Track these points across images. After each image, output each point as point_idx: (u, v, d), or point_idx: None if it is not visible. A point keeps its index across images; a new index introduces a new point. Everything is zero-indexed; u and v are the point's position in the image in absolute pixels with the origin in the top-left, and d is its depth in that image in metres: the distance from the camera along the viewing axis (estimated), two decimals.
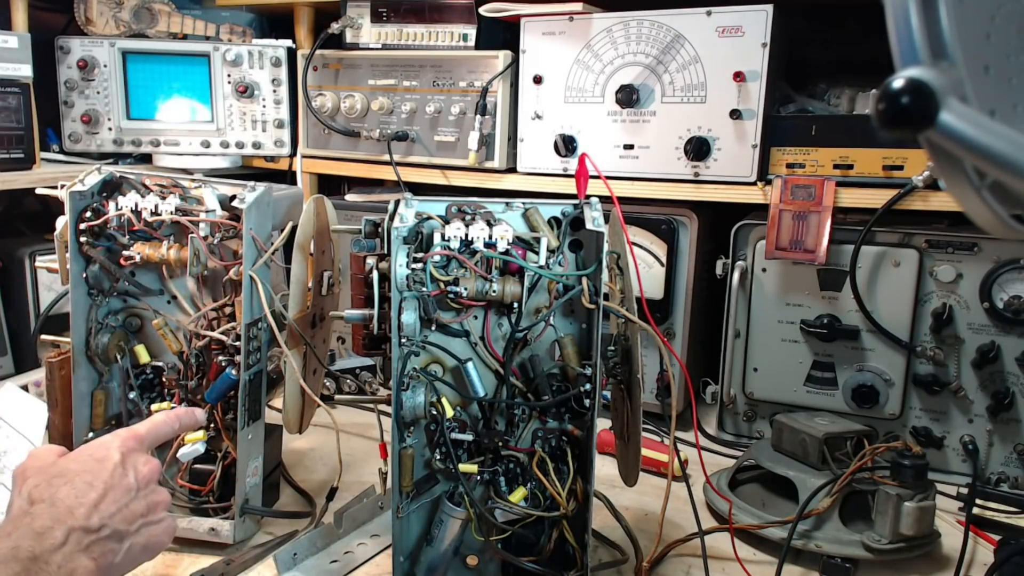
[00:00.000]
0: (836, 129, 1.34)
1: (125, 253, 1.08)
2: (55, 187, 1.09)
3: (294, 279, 1.07)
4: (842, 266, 1.32)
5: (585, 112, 1.48)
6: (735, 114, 1.35)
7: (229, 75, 1.72)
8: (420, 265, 0.87)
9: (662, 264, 1.46)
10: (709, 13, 1.35)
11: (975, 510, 1.13)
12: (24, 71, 1.55)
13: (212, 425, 1.09)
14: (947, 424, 1.33)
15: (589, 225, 0.89)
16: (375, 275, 0.91)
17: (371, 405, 1.14)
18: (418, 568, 0.96)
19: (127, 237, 1.09)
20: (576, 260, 0.94)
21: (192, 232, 1.06)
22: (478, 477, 0.93)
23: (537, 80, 1.50)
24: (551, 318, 0.93)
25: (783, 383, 1.41)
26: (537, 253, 0.90)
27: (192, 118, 1.74)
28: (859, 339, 1.34)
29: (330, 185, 1.91)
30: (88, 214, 1.07)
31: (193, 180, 1.13)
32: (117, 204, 1.08)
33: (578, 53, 1.46)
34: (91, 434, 1.12)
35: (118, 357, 1.12)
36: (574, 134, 1.49)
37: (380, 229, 0.92)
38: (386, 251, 0.89)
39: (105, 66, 1.69)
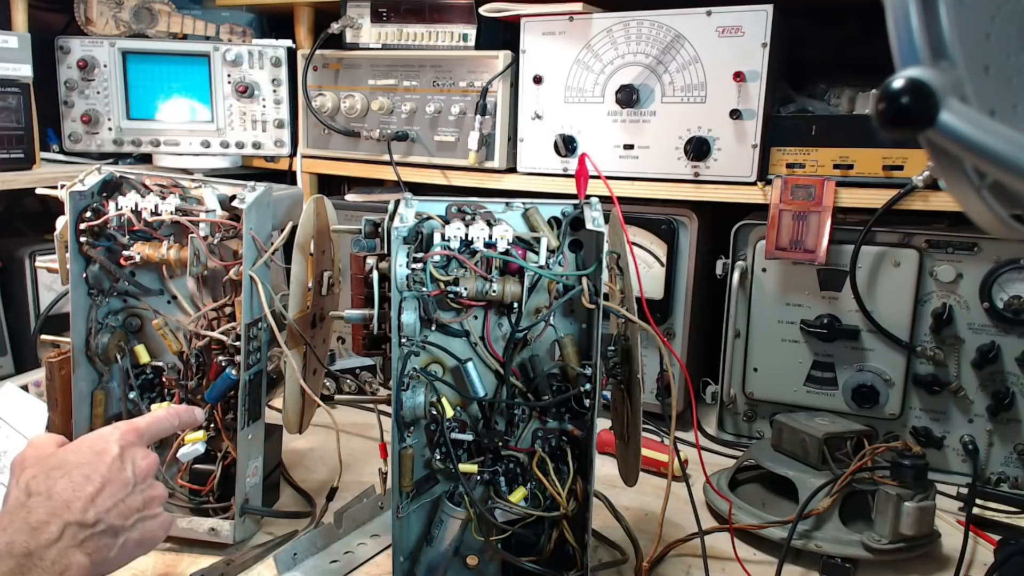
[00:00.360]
0: (836, 129, 1.34)
1: (125, 253, 1.08)
2: (55, 187, 1.09)
3: (294, 279, 1.07)
4: (842, 266, 1.32)
5: (585, 112, 1.48)
6: (735, 114, 1.35)
7: (229, 75, 1.72)
8: (420, 265, 0.87)
9: (662, 264, 1.46)
10: (709, 13, 1.35)
11: (975, 510, 1.13)
12: (24, 71, 1.55)
13: (212, 425, 1.09)
14: (947, 424, 1.33)
15: (589, 225, 0.89)
16: (375, 275, 0.91)
17: (371, 405, 1.14)
18: (418, 568, 0.96)
19: (127, 237, 1.09)
20: (576, 260, 0.94)
21: (192, 232, 1.06)
22: (478, 477, 0.93)
23: (537, 80, 1.50)
24: (551, 318, 0.93)
25: (783, 383, 1.40)
26: (537, 253, 0.90)
27: (192, 118, 1.74)
28: (859, 339, 1.34)
29: (330, 185, 1.91)
30: (88, 214, 1.07)
31: (193, 180, 1.13)
32: (117, 204, 1.08)
33: (578, 53, 1.46)
34: (80, 438, 1.11)
35: (118, 357, 1.12)
36: (574, 134, 1.49)
37: (380, 229, 0.92)
38: (386, 251, 0.89)
39: (105, 66, 1.69)
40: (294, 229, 1.09)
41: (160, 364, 1.14)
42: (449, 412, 0.91)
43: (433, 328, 0.92)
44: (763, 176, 1.37)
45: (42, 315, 1.51)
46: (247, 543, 1.10)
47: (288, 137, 1.76)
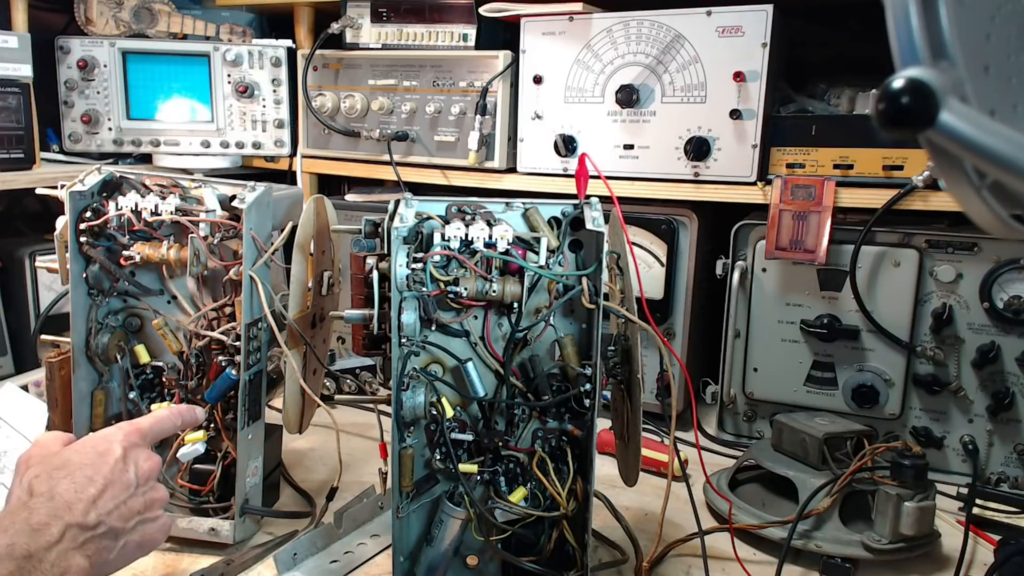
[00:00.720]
0: (836, 129, 1.34)
1: (125, 253, 1.08)
2: (55, 187, 1.09)
3: (294, 279, 1.07)
4: (842, 266, 1.32)
5: (585, 112, 1.48)
6: (735, 114, 1.35)
7: (229, 75, 1.72)
8: (420, 265, 0.87)
9: (662, 264, 1.46)
10: (709, 13, 1.35)
11: (975, 510, 1.13)
12: (24, 71, 1.55)
13: (212, 425, 1.09)
14: (947, 424, 1.33)
15: (589, 225, 0.89)
16: (375, 275, 0.91)
17: (371, 405, 1.14)
18: (418, 568, 0.96)
19: (127, 237, 1.09)
20: (576, 260, 0.94)
21: (192, 232, 1.06)
22: (478, 477, 0.93)
23: (537, 80, 1.50)
24: (551, 318, 0.93)
25: (783, 383, 1.40)
26: (537, 253, 0.90)
27: (192, 118, 1.74)
28: (859, 339, 1.34)
29: (330, 185, 1.91)
30: (88, 214, 1.07)
31: (193, 180, 1.13)
32: (117, 204, 1.08)
33: (578, 53, 1.46)
34: (85, 438, 1.11)
35: (118, 357, 1.12)
36: (574, 134, 1.49)
37: (380, 229, 0.92)
38: (386, 251, 0.89)
39: (105, 66, 1.69)
40: (294, 229, 1.09)
41: (160, 364, 1.14)
42: (449, 412, 0.91)
43: (433, 328, 0.92)
44: (763, 176, 1.37)
45: (42, 315, 1.51)
46: (247, 543, 1.10)
47: (288, 137, 1.76)
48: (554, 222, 0.94)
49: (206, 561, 1.04)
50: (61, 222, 1.08)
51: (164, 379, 1.14)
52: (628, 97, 1.41)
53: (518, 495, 0.92)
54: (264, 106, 1.74)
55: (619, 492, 1.12)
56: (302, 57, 1.71)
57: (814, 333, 1.35)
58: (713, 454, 1.42)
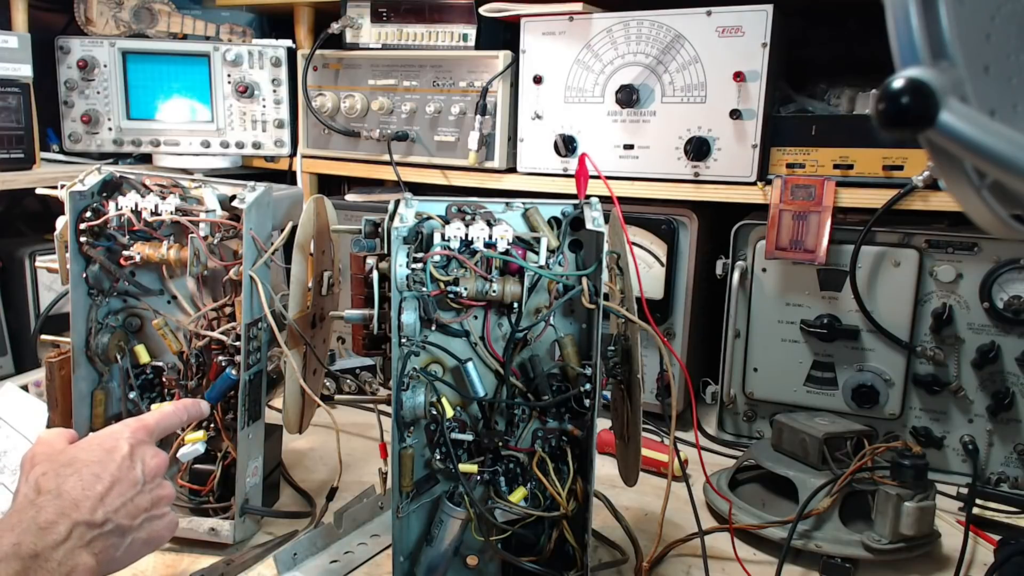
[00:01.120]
0: (836, 129, 1.34)
1: (125, 253, 1.08)
2: (55, 187, 1.09)
3: (294, 279, 1.07)
4: (842, 266, 1.32)
5: (585, 112, 1.48)
6: (735, 114, 1.35)
7: (229, 75, 1.72)
8: (420, 265, 0.87)
9: (662, 264, 1.46)
10: (709, 13, 1.35)
11: (975, 510, 1.13)
12: (24, 71, 1.55)
13: (212, 425, 1.09)
14: (947, 424, 1.33)
15: (589, 225, 0.89)
16: (375, 275, 0.91)
17: (371, 405, 1.14)
18: (418, 568, 0.96)
19: (127, 237, 1.09)
20: (576, 260, 0.94)
21: (192, 232, 1.06)
22: (478, 477, 0.93)
23: (537, 80, 1.50)
24: (551, 318, 0.93)
25: (783, 383, 1.40)
26: (537, 253, 0.90)
27: (192, 118, 1.74)
28: (859, 339, 1.34)
29: (330, 185, 1.91)
30: (88, 214, 1.07)
31: (193, 180, 1.13)
32: (117, 204, 1.08)
33: (578, 53, 1.46)
34: (91, 435, 1.11)
35: (118, 357, 1.12)
36: (574, 134, 1.49)
37: (380, 229, 0.92)
38: (386, 251, 0.89)
39: (105, 66, 1.69)
40: (294, 229, 1.09)
41: (160, 364, 1.14)
42: (449, 412, 0.91)
43: (433, 328, 0.92)
44: (763, 176, 1.37)
45: (42, 315, 1.51)
46: (247, 543, 1.10)
47: (288, 137, 1.76)
48: (554, 222, 0.94)
49: (206, 561, 1.04)
50: (61, 222, 1.08)
51: (164, 379, 1.14)
52: (628, 97, 1.41)
53: (518, 495, 0.92)
54: (264, 106, 1.74)
55: (619, 492, 1.12)
56: (302, 57, 1.71)
57: (814, 333, 1.35)
58: (713, 454, 1.42)
